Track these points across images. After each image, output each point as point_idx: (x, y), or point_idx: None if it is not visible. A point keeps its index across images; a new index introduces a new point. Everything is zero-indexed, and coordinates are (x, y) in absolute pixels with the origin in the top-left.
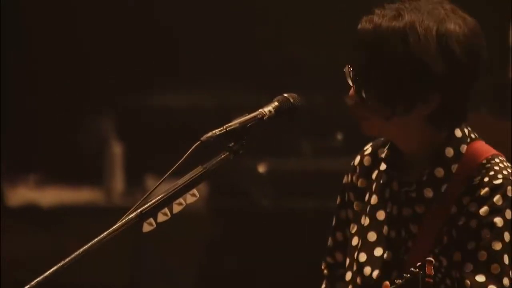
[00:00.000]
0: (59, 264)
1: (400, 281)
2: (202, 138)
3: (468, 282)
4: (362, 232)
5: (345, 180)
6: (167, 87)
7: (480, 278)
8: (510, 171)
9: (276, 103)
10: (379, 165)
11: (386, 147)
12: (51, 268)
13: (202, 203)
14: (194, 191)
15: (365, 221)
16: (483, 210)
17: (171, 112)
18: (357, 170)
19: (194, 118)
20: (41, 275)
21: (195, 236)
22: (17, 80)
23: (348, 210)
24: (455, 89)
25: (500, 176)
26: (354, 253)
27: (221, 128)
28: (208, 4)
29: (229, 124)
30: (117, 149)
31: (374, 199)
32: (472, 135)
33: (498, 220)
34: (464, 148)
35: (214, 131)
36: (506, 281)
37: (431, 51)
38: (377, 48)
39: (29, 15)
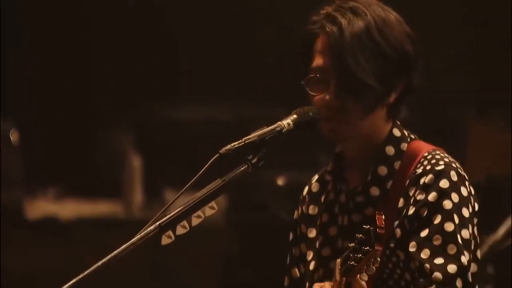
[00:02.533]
0: (78, 277)
1: (353, 244)
2: (221, 151)
3: (428, 266)
4: (318, 253)
5: (295, 215)
6: (185, 100)
7: (439, 260)
8: (452, 160)
9: (294, 116)
10: (327, 187)
11: (331, 160)
12: (70, 281)
13: (221, 216)
14: (213, 204)
15: (320, 242)
16: (432, 196)
17: (190, 125)
18: (307, 199)
19: (212, 131)
20: None
21: (214, 249)
22: (36, 94)
23: (301, 245)
24: (416, 71)
25: (441, 162)
26: (313, 276)
27: (240, 141)
28: (223, 18)
29: (248, 137)
30: (135, 163)
31: (324, 218)
32: (412, 136)
33: (447, 203)
34: (404, 146)
35: (232, 144)
36: (463, 259)
37: (401, 33)
38: (355, 43)
39: (45, 29)
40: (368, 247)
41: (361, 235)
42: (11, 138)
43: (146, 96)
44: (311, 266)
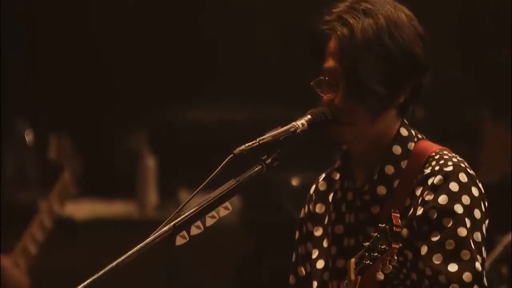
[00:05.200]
0: (93, 277)
1: (368, 243)
2: (235, 151)
3: (444, 276)
4: (325, 252)
5: (301, 214)
6: (199, 101)
7: (453, 267)
8: (460, 160)
9: (309, 116)
10: (335, 186)
11: (339, 158)
12: (85, 281)
13: (235, 216)
14: (227, 204)
15: (327, 241)
16: (442, 199)
17: (204, 125)
18: (313, 198)
19: (227, 131)
20: (75, 287)
21: (228, 249)
22: (51, 94)
23: (307, 243)
24: (426, 74)
25: (450, 163)
26: (322, 274)
27: (254, 141)
28: (234, 18)
29: (262, 137)
30: (150, 163)
31: (332, 217)
32: (419, 135)
33: (458, 207)
34: (411, 145)
35: (247, 144)
36: (477, 264)
37: (412, 35)
38: (366, 49)
39: (63, 31)
40: (384, 246)
41: (376, 234)
42: (26, 139)
43: (161, 97)
44: (319, 264)
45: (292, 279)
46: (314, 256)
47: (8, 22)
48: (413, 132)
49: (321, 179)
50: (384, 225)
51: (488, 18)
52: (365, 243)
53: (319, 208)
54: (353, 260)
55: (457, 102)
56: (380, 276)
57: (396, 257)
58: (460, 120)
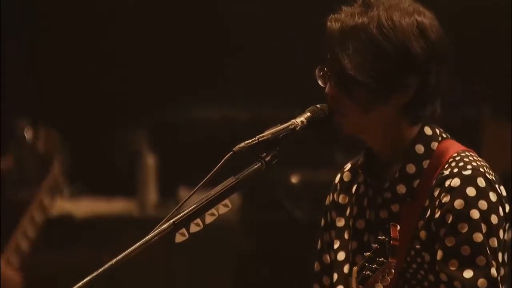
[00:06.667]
0: (93, 275)
1: (369, 253)
2: (234, 149)
3: (459, 283)
4: (346, 245)
5: (327, 201)
6: (199, 99)
7: (468, 273)
8: (480, 164)
9: (308, 114)
10: (358, 178)
11: (361, 155)
12: (84, 278)
13: (235, 214)
14: (227, 201)
15: (348, 233)
16: (458, 203)
17: (204, 124)
18: (338, 188)
19: (227, 130)
20: (74, 285)
21: (227, 246)
22: (51, 92)
23: (332, 232)
24: (430, 74)
25: (469, 167)
26: (342, 267)
27: (254, 139)
28: (235, 20)
29: (262, 135)
30: (150, 161)
31: (354, 210)
32: (444, 135)
33: (474, 212)
34: (435, 145)
35: (246, 142)
36: (493, 270)
37: (409, 33)
38: (353, 39)
39: (66, 28)
40: (382, 259)
41: (376, 245)
42: (26, 136)
43: (161, 96)
44: (340, 256)
45: (317, 265)
46: (335, 246)
47: (8, 22)
48: (437, 131)
49: (346, 169)
50: (383, 237)
51: (488, 17)
52: (365, 253)
53: (342, 199)
54: (355, 268)
55: (457, 99)
56: (379, 287)
57: (393, 271)
58: (460, 117)
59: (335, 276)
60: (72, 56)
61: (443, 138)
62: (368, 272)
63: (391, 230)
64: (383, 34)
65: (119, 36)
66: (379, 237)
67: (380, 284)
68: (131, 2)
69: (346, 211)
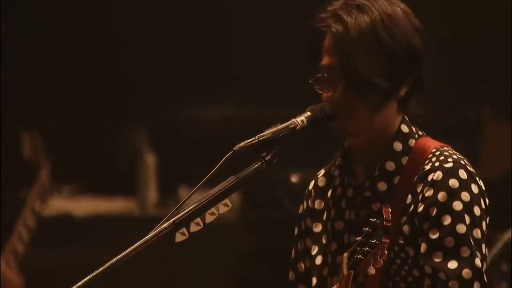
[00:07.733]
0: (93, 274)
1: (360, 238)
2: (234, 148)
3: (443, 273)
4: (324, 248)
5: (300, 210)
6: (199, 99)
7: (452, 264)
8: (460, 157)
9: (308, 113)
10: (334, 182)
11: (338, 156)
12: (84, 278)
13: (235, 213)
14: (227, 201)
15: (326, 238)
16: (441, 195)
17: (204, 123)
18: (312, 194)
19: (227, 129)
20: (74, 285)
21: (228, 246)
22: (51, 91)
23: (306, 239)
24: (424, 64)
25: (450, 160)
26: (321, 270)
27: (254, 138)
28: (235, 19)
29: (262, 134)
30: (150, 160)
31: (332, 213)
32: (420, 132)
33: (457, 204)
34: (412, 142)
35: (246, 141)
36: (477, 261)
37: (409, 28)
38: (361, 43)
39: (66, 29)
40: (375, 240)
41: (367, 229)
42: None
43: (161, 95)
44: (318, 260)
45: (291, 275)
46: (313, 253)
47: (8, 22)
48: (413, 128)
49: (320, 175)
50: (375, 219)
51: (489, 17)
52: (357, 237)
53: (318, 204)
54: (345, 254)
55: (457, 99)
56: (372, 270)
57: (386, 252)
58: (460, 117)
59: (314, 280)
60: (72, 56)
61: (419, 136)
62: (360, 256)
63: (383, 212)
64: (390, 34)
65: (119, 36)
66: (371, 219)
67: (372, 267)
68: (131, 2)
69: (323, 216)
